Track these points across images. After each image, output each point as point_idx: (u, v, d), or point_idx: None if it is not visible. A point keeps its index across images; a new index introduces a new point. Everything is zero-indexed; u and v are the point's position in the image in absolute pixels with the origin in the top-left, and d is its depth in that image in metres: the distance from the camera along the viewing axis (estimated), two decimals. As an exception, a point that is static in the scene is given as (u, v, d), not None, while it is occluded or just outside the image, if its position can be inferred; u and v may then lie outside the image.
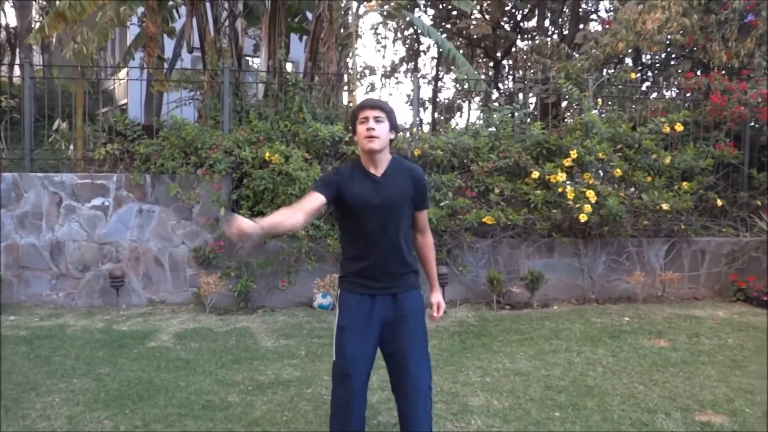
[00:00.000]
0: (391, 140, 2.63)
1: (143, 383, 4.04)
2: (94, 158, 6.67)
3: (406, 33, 23.52)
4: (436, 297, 2.85)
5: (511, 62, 21.88)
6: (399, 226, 2.63)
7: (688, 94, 8.01)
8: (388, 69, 25.09)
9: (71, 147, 7.67)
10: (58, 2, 8.17)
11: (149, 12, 7.66)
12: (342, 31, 8.15)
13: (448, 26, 18.81)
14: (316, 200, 2.54)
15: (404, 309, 2.64)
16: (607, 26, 10.19)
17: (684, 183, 6.80)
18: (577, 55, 11.13)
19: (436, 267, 2.89)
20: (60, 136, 8.00)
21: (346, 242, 2.74)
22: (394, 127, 2.62)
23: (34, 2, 16.32)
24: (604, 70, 9.58)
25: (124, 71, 10.38)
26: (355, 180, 2.62)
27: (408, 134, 6.98)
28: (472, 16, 17.54)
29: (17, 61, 14.28)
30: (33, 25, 13.79)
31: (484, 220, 6.23)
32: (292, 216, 2.44)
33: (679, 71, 8.71)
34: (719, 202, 6.99)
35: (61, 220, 6.24)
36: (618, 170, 6.57)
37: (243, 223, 2.20)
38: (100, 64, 9.31)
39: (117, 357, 4.60)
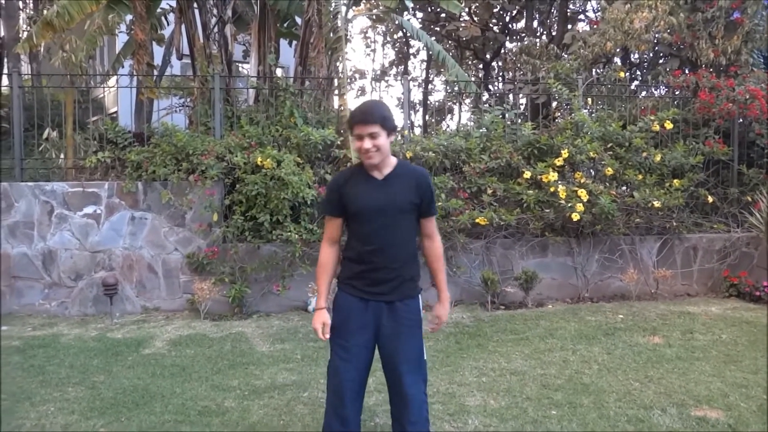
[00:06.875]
0: (391, 142, 2.60)
1: (139, 390, 4.02)
2: (85, 166, 6.64)
3: (395, 36, 23.56)
4: (439, 309, 2.77)
5: (500, 64, 21.94)
6: (398, 230, 2.60)
7: (676, 92, 8.07)
8: (378, 72, 25.13)
9: (62, 156, 7.63)
10: (45, 11, 8.14)
11: (138, 19, 7.63)
12: (331, 35, 8.14)
13: (437, 29, 18.85)
14: (337, 224, 2.70)
15: (399, 318, 2.61)
16: (595, 26, 10.26)
17: (675, 180, 6.84)
18: (566, 56, 11.20)
19: (443, 277, 2.78)
20: (50, 145, 7.95)
21: (348, 242, 2.73)
22: (392, 130, 2.57)
23: (21, 11, 16.24)
24: (593, 70, 9.64)
25: (113, 79, 10.36)
26: (354, 183, 2.62)
27: (400, 137, 7.00)
28: (461, 19, 17.58)
29: (5, 70, 14.20)
30: (20, 35, 13.70)
31: (477, 220, 6.25)
32: (332, 257, 2.70)
33: (668, 69, 8.77)
34: (710, 199, 7.04)
35: (52, 229, 6.21)
36: (609, 169, 6.61)
37: (325, 321, 2.62)
38: (89, 72, 9.26)
39: (112, 365, 4.58)
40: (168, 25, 10.00)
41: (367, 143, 2.49)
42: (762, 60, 9.02)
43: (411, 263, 2.68)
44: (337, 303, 2.71)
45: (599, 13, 12.64)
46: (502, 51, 20.54)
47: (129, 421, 3.54)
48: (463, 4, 12.62)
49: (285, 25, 9.71)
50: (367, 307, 2.62)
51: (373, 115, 2.50)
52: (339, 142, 6.54)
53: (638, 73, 11.16)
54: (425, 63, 23.58)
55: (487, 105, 7.63)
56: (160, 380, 4.24)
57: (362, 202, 2.58)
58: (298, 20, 9.24)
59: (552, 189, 6.35)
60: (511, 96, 9.23)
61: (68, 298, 6.21)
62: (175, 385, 4.14)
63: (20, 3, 16.18)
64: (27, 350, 4.95)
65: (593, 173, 7.02)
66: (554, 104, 9.57)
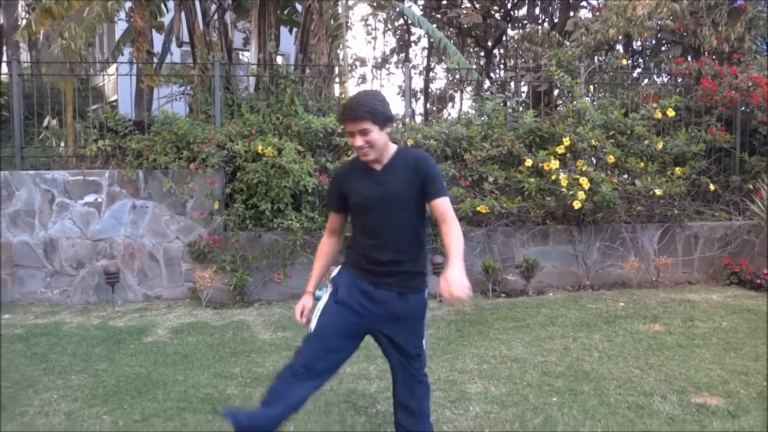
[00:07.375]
0: (388, 132, 2.46)
1: (141, 378, 4.04)
2: (85, 155, 6.62)
3: (396, 24, 23.45)
4: (447, 273, 2.19)
5: (502, 51, 21.82)
6: (400, 222, 2.47)
7: (679, 80, 8.03)
8: (379, 60, 25.01)
9: (62, 144, 7.62)
10: (44, -2, 8.08)
11: (137, 7, 7.60)
12: (332, 22, 8.11)
13: (438, 16, 18.74)
14: (338, 218, 2.68)
15: (401, 308, 2.52)
16: (597, 13, 10.21)
17: (676, 168, 6.82)
18: (568, 43, 11.13)
19: (455, 247, 2.29)
20: (50, 134, 7.95)
21: (352, 236, 2.66)
22: (386, 121, 2.42)
23: (20, -1, 16.15)
24: (596, 57, 9.58)
25: (113, 67, 10.31)
26: (354, 176, 2.54)
27: (401, 125, 6.98)
28: (462, 6, 17.49)
29: (4, 58, 14.15)
30: (19, 22, 13.64)
31: (478, 208, 6.24)
32: (330, 246, 2.74)
33: (670, 57, 8.72)
34: (712, 187, 7.03)
35: (54, 217, 6.21)
36: (611, 157, 6.59)
37: (305, 307, 2.68)
38: (88, 60, 9.23)
39: (114, 353, 4.60)
40: (168, 12, 9.94)
41: (359, 141, 2.38)
42: (765, 47, 8.97)
43: (417, 256, 2.55)
44: (336, 276, 2.67)
45: (602, 0, 12.56)
46: (504, 38, 20.44)
47: (132, 409, 3.56)
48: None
49: (285, 12, 9.66)
50: (373, 287, 2.51)
51: (361, 110, 2.35)
52: (340, 130, 6.52)
53: (640, 60, 11.10)
54: (426, 50, 23.48)
55: (488, 93, 7.60)
56: (162, 368, 4.25)
57: (361, 195, 2.49)
58: (299, 7, 9.19)
59: (553, 177, 6.34)
60: (512, 83, 9.19)
61: (70, 287, 6.22)
62: (177, 372, 4.16)
63: (19, -10, 16.07)
64: (30, 338, 4.96)
65: (595, 161, 7.00)
66: (556, 92, 9.51)
